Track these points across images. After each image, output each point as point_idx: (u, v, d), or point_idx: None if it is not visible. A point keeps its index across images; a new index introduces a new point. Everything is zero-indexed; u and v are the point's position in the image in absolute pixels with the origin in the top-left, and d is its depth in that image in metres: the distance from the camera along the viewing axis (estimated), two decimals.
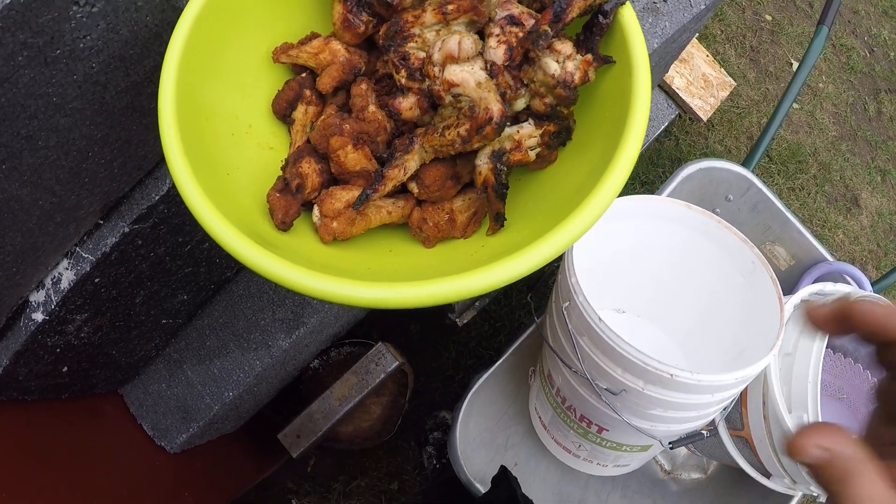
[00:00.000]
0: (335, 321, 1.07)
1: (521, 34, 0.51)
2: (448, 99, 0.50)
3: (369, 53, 0.59)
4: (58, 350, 0.83)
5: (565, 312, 0.77)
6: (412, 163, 0.52)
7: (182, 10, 0.64)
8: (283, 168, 0.57)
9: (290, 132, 0.60)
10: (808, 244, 1.04)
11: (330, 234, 0.54)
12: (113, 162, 0.71)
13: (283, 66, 0.61)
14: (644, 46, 0.51)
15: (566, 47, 0.49)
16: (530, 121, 0.52)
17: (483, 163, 0.51)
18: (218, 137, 0.55)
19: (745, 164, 1.08)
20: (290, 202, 0.53)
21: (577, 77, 0.49)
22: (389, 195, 0.55)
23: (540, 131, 0.52)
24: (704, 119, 1.79)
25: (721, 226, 0.86)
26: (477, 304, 1.26)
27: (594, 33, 0.51)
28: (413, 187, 0.54)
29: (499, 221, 0.53)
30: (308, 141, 0.57)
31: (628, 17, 0.51)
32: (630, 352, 0.71)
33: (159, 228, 0.76)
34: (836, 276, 1.03)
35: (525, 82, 0.50)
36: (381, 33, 0.56)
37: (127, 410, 0.95)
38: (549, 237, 0.45)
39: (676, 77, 1.78)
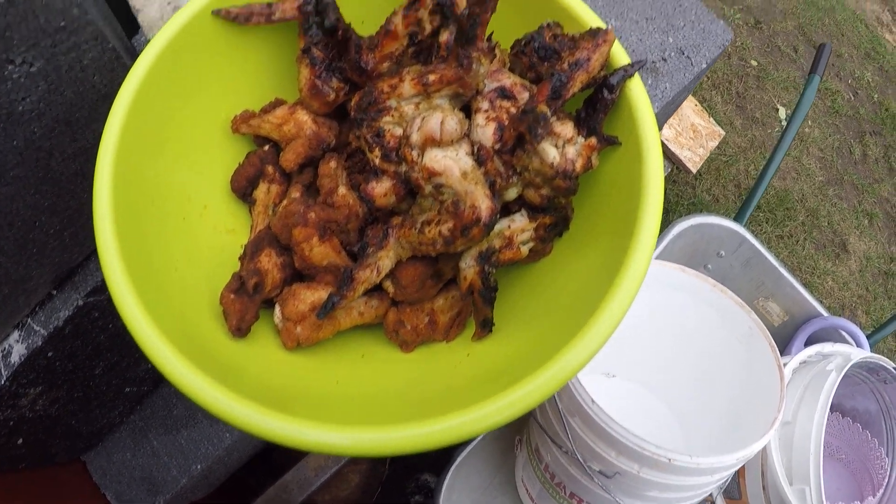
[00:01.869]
0: None
1: (513, 110, 0.41)
2: (428, 189, 0.39)
3: (341, 123, 0.48)
4: (10, 423, 0.71)
5: (555, 394, 0.66)
6: (387, 261, 0.41)
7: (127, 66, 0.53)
8: (241, 259, 0.46)
9: (251, 214, 0.49)
10: (801, 299, 0.94)
11: (293, 340, 0.43)
12: (63, 232, 0.60)
13: (244, 136, 0.50)
14: (655, 126, 0.40)
15: (566, 129, 0.39)
16: (523, 212, 0.41)
17: (468, 265, 0.40)
18: (166, 225, 0.44)
19: (736, 218, 0.98)
20: (246, 305, 0.42)
21: (578, 165, 0.39)
22: (363, 292, 0.44)
23: (534, 224, 0.41)
24: (694, 171, 1.67)
25: (716, 290, 0.76)
26: None
27: (598, 110, 0.40)
28: (388, 286, 0.43)
29: (486, 327, 0.42)
30: (269, 227, 0.46)
31: (637, 90, 0.41)
32: (625, 435, 0.60)
33: None
34: (831, 332, 0.93)
35: (518, 170, 0.39)
36: (352, 103, 0.45)
37: (90, 479, 0.83)
38: (549, 367, 0.34)
39: (665, 128, 1.65)
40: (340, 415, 0.38)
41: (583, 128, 0.40)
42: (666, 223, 1.12)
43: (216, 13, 0.45)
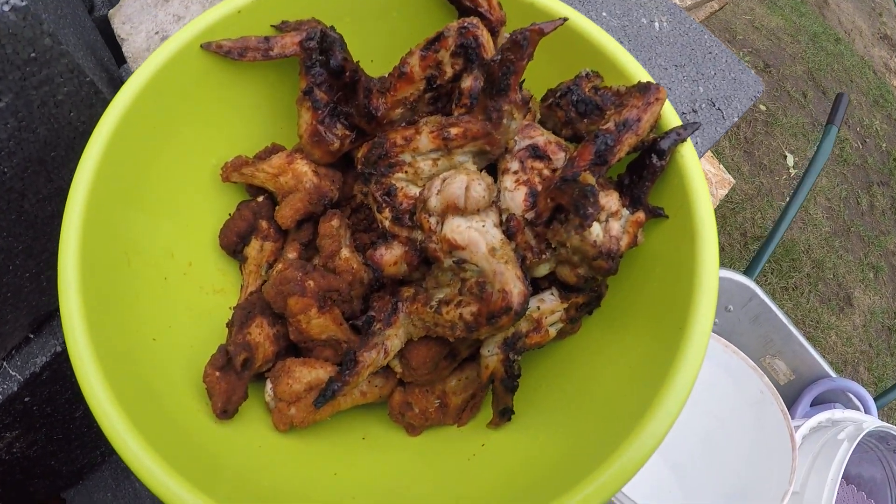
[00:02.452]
0: None
1: (546, 172, 0.34)
2: (448, 263, 0.33)
3: (345, 174, 0.42)
4: None
5: None
6: (396, 340, 0.34)
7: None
8: (228, 326, 0.39)
9: (241, 271, 0.42)
10: (809, 358, 0.88)
11: (286, 424, 0.36)
12: (40, 275, 0.53)
13: (235, 185, 0.43)
14: (709, 198, 0.34)
15: (611, 201, 0.32)
16: (554, 291, 0.35)
17: (491, 353, 0.33)
18: (143, 287, 0.37)
19: (747, 272, 0.92)
20: (233, 384, 0.35)
21: (624, 244, 0.32)
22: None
23: (566, 304, 0.35)
24: None
25: (728, 350, 0.70)
26: None
27: (644, 178, 0.34)
28: (396, 366, 0.36)
29: (505, 416, 0.36)
30: (260, 290, 0.40)
31: (689, 156, 0.34)
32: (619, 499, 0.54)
33: None
34: (837, 393, 0.88)
35: (552, 245, 0.33)
36: (360, 155, 0.39)
37: None
38: (599, 475, 0.28)
39: None
40: None
41: (626, 197, 0.34)
42: None
43: (205, 47, 0.39)
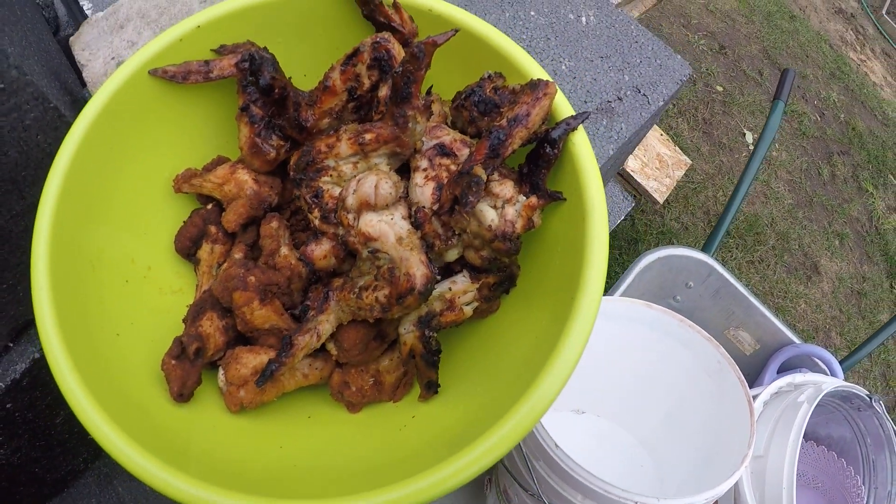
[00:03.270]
0: None
1: (454, 167, 0.40)
2: (365, 253, 0.39)
3: (284, 180, 0.48)
4: None
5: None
6: (327, 325, 0.40)
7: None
8: (184, 321, 0.45)
9: (196, 274, 0.48)
10: (773, 327, 0.93)
11: (237, 404, 0.42)
12: (16, 286, 0.59)
13: (186, 196, 0.49)
14: (600, 180, 0.40)
15: (506, 188, 0.38)
16: (465, 273, 0.41)
17: (407, 331, 0.39)
18: (107, 290, 0.43)
19: (704, 249, 0.97)
20: (188, 371, 0.41)
21: (518, 226, 0.38)
22: (305, 355, 0.43)
23: (477, 285, 0.40)
24: (661, 201, 1.63)
25: (684, 325, 0.75)
26: None
27: (540, 166, 0.40)
28: (332, 349, 0.42)
29: (431, 389, 0.41)
30: (211, 289, 0.46)
31: (581, 144, 0.40)
32: (589, 479, 0.59)
33: None
34: (804, 359, 0.92)
35: (456, 231, 0.39)
36: (291, 163, 0.45)
37: None
38: (499, 428, 0.33)
39: (631, 159, 1.61)
40: (287, 488, 0.37)
41: (525, 184, 0.39)
42: (635, 253, 1.09)
43: (153, 73, 0.45)
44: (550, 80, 0.41)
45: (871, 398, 0.80)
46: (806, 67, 2.83)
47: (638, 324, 0.73)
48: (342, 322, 0.41)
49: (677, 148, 1.85)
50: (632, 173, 1.68)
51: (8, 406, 0.64)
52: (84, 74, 0.54)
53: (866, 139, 2.68)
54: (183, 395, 0.41)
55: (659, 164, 1.75)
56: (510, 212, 0.38)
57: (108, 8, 0.58)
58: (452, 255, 0.40)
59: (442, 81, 0.45)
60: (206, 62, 0.45)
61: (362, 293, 0.38)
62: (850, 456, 0.86)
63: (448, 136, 0.41)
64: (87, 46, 0.55)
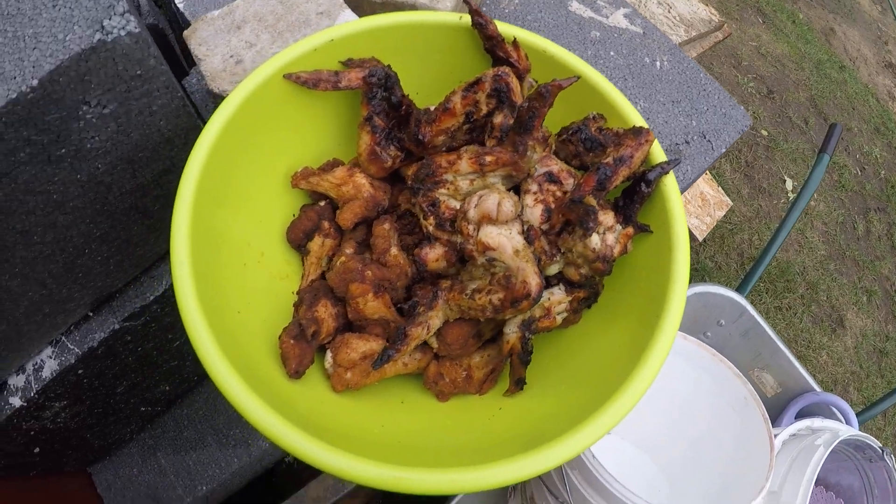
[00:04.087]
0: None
1: (558, 193, 0.47)
2: (481, 260, 0.46)
3: (392, 186, 0.55)
4: (32, 433, 0.75)
5: None
6: (436, 320, 0.47)
7: (196, 116, 0.59)
8: (296, 306, 0.52)
9: (303, 262, 0.54)
10: (796, 373, 1.01)
11: (343, 385, 0.49)
12: (110, 259, 0.65)
13: (301, 192, 0.56)
14: (685, 219, 0.47)
15: (608, 218, 0.46)
16: (561, 286, 0.48)
17: (512, 331, 0.46)
18: (230, 271, 0.50)
19: (739, 289, 1.05)
20: (304, 350, 0.48)
21: (616, 251, 0.45)
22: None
23: (570, 297, 0.48)
24: (700, 239, 1.71)
25: (715, 359, 0.83)
26: None
27: (635, 201, 0.47)
28: (433, 342, 0.49)
29: (519, 385, 0.49)
30: (323, 277, 0.52)
31: (670, 185, 0.48)
32: (622, 492, 0.66)
33: (150, 326, 0.70)
34: (822, 407, 1.00)
35: (562, 250, 0.46)
36: (410, 173, 0.52)
37: (94, 491, 0.87)
38: (578, 431, 0.40)
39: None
40: (388, 455, 0.44)
41: (620, 215, 0.47)
42: None
43: (287, 76, 0.52)
44: (646, 126, 0.49)
45: (882, 451, 0.88)
46: (851, 120, 2.94)
47: (672, 353, 0.81)
48: (448, 319, 0.48)
49: (720, 189, 1.95)
50: None
51: (80, 372, 0.70)
52: (202, 67, 0.60)
53: None
54: (299, 371, 0.48)
55: (701, 203, 1.84)
56: (610, 238, 0.45)
57: (224, 7, 0.64)
58: (553, 269, 0.47)
59: (548, 116, 0.52)
60: (336, 73, 0.52)
61: (475, 295, 0.45)
62: None
63: (556, 166, 0.48)
64: (205, 42, 0.62)
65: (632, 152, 0.46)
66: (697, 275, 2.06)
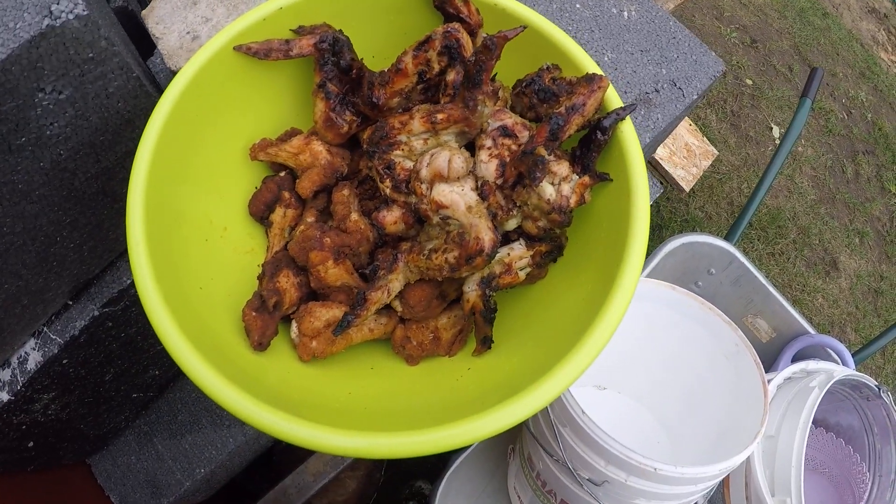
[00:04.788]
0: None
1: (514, 147, 0.48)
2: (436, 219, 0.47)
3: (352, 152, 0.56)
4: (23, 427, 0.78)
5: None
6: (396, 283, 0.48)
7: (154, 96, 0.60)
8: (259, 278, 0.53)
9: (267, 235, 0.56)
10: (789, 317, 1.02)
11: (309, 354, 0.50)
12: (83, 245, 0.67)
13: (260, 164, 0.57)
14: (643, 165, 0.48)
15: (562, 168, 0.46)
16: (521, 241, 0.49)
17: (471, 289, 0.47)
18: (191, 247, 0.51)
19: (727, 237, 1.05)
20: (266, 321, 0.49)
21: (573, 201, 0.46)
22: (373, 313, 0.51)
23: (531, 252, 0.48)
24: (687, 189, 1.73)
25: (705, 307, 0.84)
26: None
27: (591, 150, 0.48)
28: (397, 305, 0.50)
29: (486, 344, 0.50)
30: (286, 248, 0.54)
31: (627, 132, 0.48)
32: (613, 445, 0.68)
33: (130, 311, 0.72)
34: (817, 349, 1.01)
35: (518, 204, 0.47)
36: (365, 136, 0.52)
37: (95, 481, 0.91)
38: (543, 382, 0.42)
39: (659, 147, 1.72)
40: (354, 422, 0.45)
41: (577, 165, 0.47)
42: (659, 239, 1.18)
43: (237, 48, 0.53)
44: (604, 74, 0.49)
45: (879, 388, 0.89)
46: (836, 66, 2.93)
47: (662, 305, 0.82)
48: (409, 281, 0.49)
49: (705, 139, 1.94)
50: (660, 161, 1.76)
51: (64, 362, 0.72)
52: (159, 46, 0.62)
53: (892, 140, 2.79)
54: (262, 343, 0.49)
55: (687, 154, 1.84)
56: (566, 188, 0.46)
57: None
58: (512, 224, 0.48)
59: (503, 69, 0.53)
60: (287, 41, 0.53)
61: (432, 255, 0.46)
62: (857, 444, 0.94)
63: (510, 119, 0.48)
64: (162, 20, 0.63)
65: (584, 100, 0.46)
66: (688, 225, 2.08)
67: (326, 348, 0.50)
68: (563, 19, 0.76)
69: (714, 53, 0.78)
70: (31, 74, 0.51)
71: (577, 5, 0.77)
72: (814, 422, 0.97)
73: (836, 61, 3.00)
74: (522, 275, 0.49)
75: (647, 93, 0.72)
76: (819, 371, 0.86)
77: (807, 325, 1.02)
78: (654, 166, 1.75)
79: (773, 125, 2.54)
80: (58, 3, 0.50)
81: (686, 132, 1.89)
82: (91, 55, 0.55)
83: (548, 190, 0.45)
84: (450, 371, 0.51)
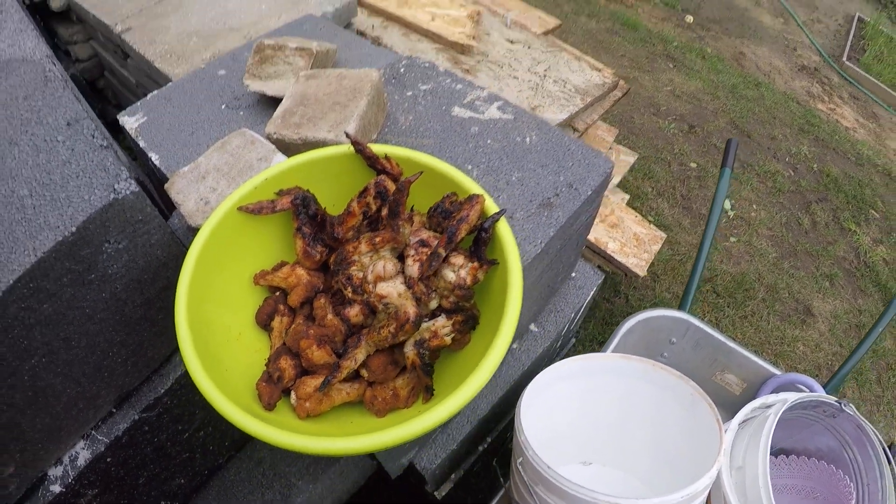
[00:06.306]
0: (320, 500, 1.27)
1: (428, 252, 0.78)
2: (381, 307, 0.76)
3: (325, 274, 0.86)
4: None
5: (521, 467, 0.97)
6: (361, 354, 0.76)
7: (181, 245, 0.92)
8: (266, 364, 0.81)
9: (270, 337, 0.85)
10: (755, 365, 1.17)
11: (304, 412, 0.77)
12: (128, 361, 0.95)
13: (261, 287, 0.87)
14: (516, 249, 0.77)
15: (459, 259, 0.76)
16: (442, 315, 0.77)
17: (409, 350, 0.75)
18: (215, 345, 0.80)
19: (680, 307, 1.30)
20: (273, 389, 0.77)
21: (468, 280, 0.75)
22: (346, 380, 0.79)
23: (451, 322, 0.77)
24: (641, 274, 2.04)
25: (657, 368, 1.07)
26: (453, 476, 1.45)
27: (479, 245, 0.78)
28: (364, 373, 0.78)
29: (429, 392, 0.77)
30: (284, 343, 0.82)
31: (502, 229, 0.78)
32: (577, 490, 0.90)
33: (163, 417, 0.98)
34: (789, 387, 1.16)
35: (434, 288, 0.76)
36: (331, 260, 0.83)
37: None
38: (448, 400, 0.69)
39: (610, 242, 2.06)
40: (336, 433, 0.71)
41: (473, 257, 0.77)
42: None
43: (240, 209, 0.84)
44: (481, 192, 0.80)
45: (840, 403, 1.05)
46: (773, 129, 3.35)
47: (619, 375, 1.06)
48: (370, 353, 0.77)
49: (652, 225, 2.27)
50: (612, 254, 2.07)
51: (108, 460, 0.98)
52: (181, 210, 0.94)
53: (842, 182, 3.13)
54: (270, 405, 0.77)
55: (636, 243, 2.15)
56: (462, 272, 0.75)
57: (191, 163, 0.99)
58: (433, 304, 0.77)
59: (424, 200, 0.84)
60: (272, 201, 0.85)
61: (380, 330, 0.75)
62: (840, 462, 1.09)
63: (425, 234, 0.79)
64: (181, 191, 0.95)
65: (468, 213, 0.77)
66: (645, 310, 2.36)
67: (316, 407, 0.77)
68: (479, 154, 1.09)
69: (604, 154, 1.10)
70: (101, 231, 0.81)
71: (489, 140, 1.11)
72: (795, 452, 1.16)
73: (774, 125, 3.42)
74: (448, 339, 0.77)
75: (548, 198, 1.04)
76: (776, 401, 1.05)
77: (772, 369, 1.20)
78: (607, 259, 2.06)
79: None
80: (118, 183, 0.82)
81: (633, 224, 2.22)
82: (140, 218, 0.86)
83: (450, 275, 0.74)
84: (407, 416, 0.77)
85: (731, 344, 1.24)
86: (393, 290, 0.75)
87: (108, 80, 2.35)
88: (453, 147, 1.11)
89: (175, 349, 0.99)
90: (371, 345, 0.76)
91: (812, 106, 3.72)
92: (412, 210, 0.83)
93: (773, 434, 1.03)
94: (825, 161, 3.25)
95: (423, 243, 0.79)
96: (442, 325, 0.77)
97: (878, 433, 1.08)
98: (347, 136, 0.85)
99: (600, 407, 1.11)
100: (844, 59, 4.41)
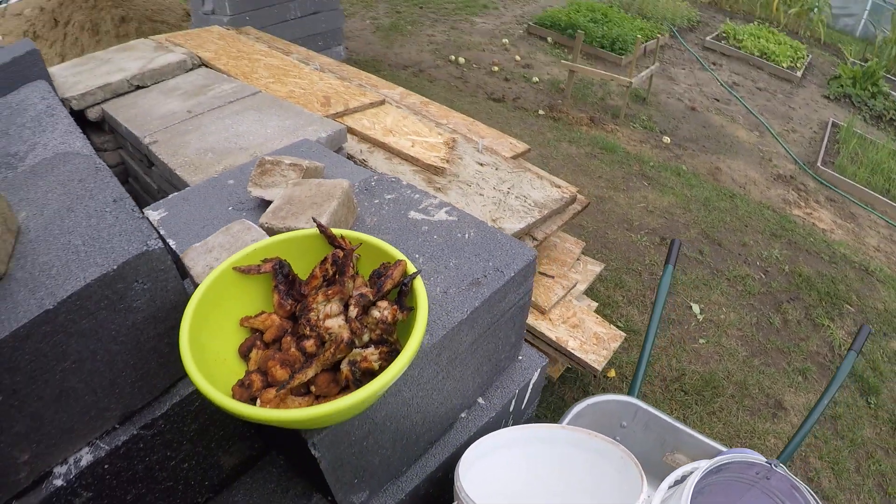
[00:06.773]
0: None
1: (365, 301, 1.13)
2: (326, 337, 1.09)
3: (293, 321, 1.20)
4: None
5: None
6: (311, 372, 1.09)
7: (186, 293, 1.27)
8: (241, 380, 1.13)
9: (247, 364, 1.17)
10: (702, 444, 1.31)
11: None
12: (136, 383, 1.26)
13: (245, 328, 1.21)
14: (425, 299, 1.11)
15: (384, 304, 1.11)
16: (371, 346, 1.10)
17: (345, 367, 1.08)
18: (210, 363, 1.12)
19: (629, 392, 1.53)
20: (244, 393, 1.08)
21: (389, 318, 1.09)
22: (299, 394, 1.10)
23: (378, 351, 1.10)
24: (599, 369, 2.32)
25: (590, 435, 1.29)
26: None
27: (401, 295, 1.12)
28: (313, 388, 1.10)
29: None
30: (258, 367, 1.14)
31: (418, 284, 1.13)
32: None
33: (156, 438, 1.28)
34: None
35: (366, 325, 1.10)
36: (297, 309, 1.17)
37: None
38: (360, 391, 1.00)
39: (570, 340, 2.40)
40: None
41: (395, 304, 1.12)
42: None
43: (235, 269, 1.20)
44: (403, 258, 1.16)
45: (770, 463, 1.15)
46: (745, 236, 3.67)
47: (560, 444, 1.31)
48: (318, 372, 1.09)
49: (612, 326, 2.60)
50: (572, 350, 2.38)
51: (105, 466, 1.26)
52: (191, 273, 1.30)
53: (815, 280, 3.35)
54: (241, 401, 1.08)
55: (596, 342, 2.47)
56: (385, 313, 1.09)
57: (202, 242, 1.36)
58: (366, 337, 1.10)
59: (370, 266, 1.20)
60: (258, 265, 1.21)
61: (326, 353, 1.08)
62: None
63: (365, 289, 1.14)
64: (192, 259, 1.32)
65: (392, 272, 1.12)
66: (594, 395, 2.60)
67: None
68: (426, 245, 1.46)
69: (529, 245, 1.47)
70: (133, 272, 1.15)
71: (435, 236, 1.49)
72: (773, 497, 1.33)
73: (745, 232, 3.75)
74: (375, 364, 1.10)
75: (477, 278, 1.39)
76: (696, 470, 1.18)
77: (719, 446, 1.34)
78: (566, 356, 2.37)
79: (692, 304, 3.20)
80: (150, 241, 1.18)
81: (594, 324, 2.55)
82: (162, 268, 1.20)
83: (376, 313, 1.09)
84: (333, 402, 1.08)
85: (678, 425, 1.37)
86: (335, 324, 1.09)
87: (131, 185, 2.81)
88: (406, 241, 1.48)
89: (175, 381, 1.31)
90: (319, 365, 1.09)
91: (788, 212, 3.97)
92: (357, 272, 1.18)
93: (712, 499, 1.16)
94: (797, 262, 3.47)
95: (362, 296, 1.13)
96: (370, 352, 1.10)
97: (812, 492, 1.17)
98: (315, 221, 1.23)
99: (541, 477, 1.27)
100: (819, 163, 4.64)
